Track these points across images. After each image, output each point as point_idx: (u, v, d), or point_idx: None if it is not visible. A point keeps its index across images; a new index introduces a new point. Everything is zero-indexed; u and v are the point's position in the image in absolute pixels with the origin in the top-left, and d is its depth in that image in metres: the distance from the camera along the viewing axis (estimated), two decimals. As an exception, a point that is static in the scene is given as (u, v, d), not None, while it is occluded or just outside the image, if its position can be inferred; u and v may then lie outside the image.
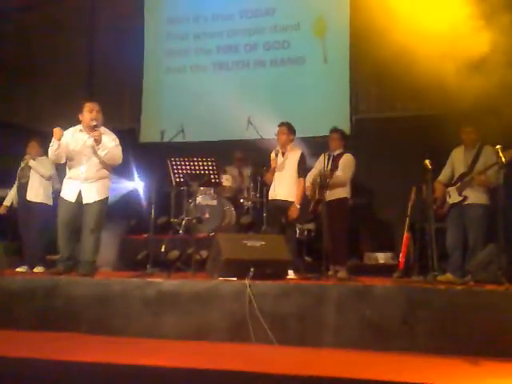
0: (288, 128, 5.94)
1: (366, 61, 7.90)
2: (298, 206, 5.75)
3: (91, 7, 9.16)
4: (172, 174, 5.62)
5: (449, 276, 5.27)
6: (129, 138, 8.35)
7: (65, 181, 5.28)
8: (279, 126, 5.98)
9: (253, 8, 8.70)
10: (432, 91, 7.39)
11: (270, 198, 6.01)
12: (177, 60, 8.97)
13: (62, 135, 5.03)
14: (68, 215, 5.13)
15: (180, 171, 5.58)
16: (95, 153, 5.12)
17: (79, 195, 5.12)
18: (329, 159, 5.92)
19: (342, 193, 5.86)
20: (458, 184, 5.53)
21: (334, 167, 5.73)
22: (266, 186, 6.41)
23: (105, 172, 5.24)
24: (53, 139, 5.03)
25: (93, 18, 9.15)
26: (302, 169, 5.87)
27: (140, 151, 7.75)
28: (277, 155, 5.90)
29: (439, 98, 7.32)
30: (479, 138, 5.60)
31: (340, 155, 5.99)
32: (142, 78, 9.00)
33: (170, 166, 5.58)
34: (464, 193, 5.45)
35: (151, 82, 9.03)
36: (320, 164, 5.91)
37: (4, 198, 6.76)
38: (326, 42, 8.29)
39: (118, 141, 5.26)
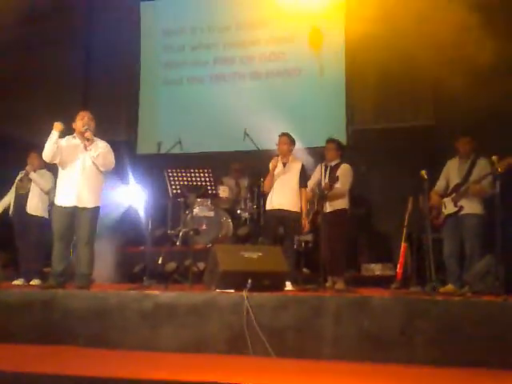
0: (289, 138, 5.96)
1: (361, 72, 7.95)
2: (306, 217, 5.80)
3: (88, 20, 9.21)
4: (169, 186, 5.63)
5: (450, 287, 5.28)
6: (126, 149, 8.36)
7: (58, 189, 5.23)
8: (280, 136, 5.97)
9: (249, 20, 8.76)
10: (428, 102, 7.46)
11: (268, 207, 5.98)
12: (173, 72, 9.01)
13: (62, 129, 5.09)
14: (62, 224, 5.10)
15: (177, 182, 5.59)
16: (88, 158, 5.13)
17: (72, 199, 5.10)
18: (326, 170, 5.93)
19: (341, 204, 5.87)
20: (453, 195, 5.56)
21: (332, 178, 5.72)
22: (263, 197, 6.40)
23: (99, 179, 5.23)
24: (52, 131, 5.09)
25: (89, 31, 9.19)
26: (304, 180, 5.89)
27: (137, 163, 7.74)
28: (275, 166, 5.90)
29: (435, 108, 7.37)
30: (474, 148, 5.64)
31: (337, 166, 6.00)
32: (138, 90, 9.03)
33: (166, 177, 5.59)
34: (459, 203, 5.48)
35: (148, 94, 9.06)
36: (318, 175, 5.92)
37: (4, 210, 6.76)
38: (322, 54, 8.34)
39: (109, 148, 5.27)
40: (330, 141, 6.17)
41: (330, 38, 8.31)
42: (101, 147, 5.18)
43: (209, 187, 5.59)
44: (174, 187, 5.61)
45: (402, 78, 7.68)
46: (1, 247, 7.04)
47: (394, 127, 7.74)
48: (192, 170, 5.58)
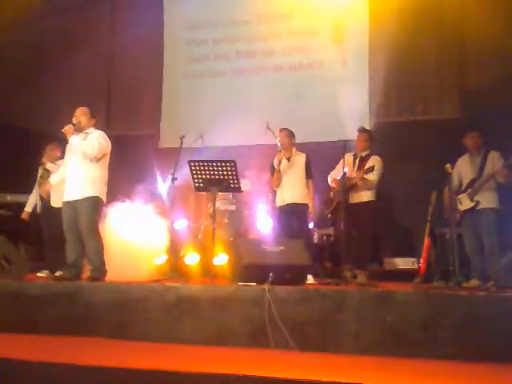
0: (288, 131, 6.09)
1: (385, 64, 7.85)
2: (313, 209, 5.88)
3: (111, 14, 9.26)
4: (192, 179, 5.62)
5: (474, 281, 5.24)
6: (148, 143, 8.42)
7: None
8: (280, 130, 6.10)
9: (271, 13, 8.72)
10: (453, 94, 7.36)
11: (279, 203, 6.03)
12: (195, 66, 9.02)
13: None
14: (67, 218, 5.22)
15: (200, 176, 5.57)
16: (75, 152, 5.22)
17: (66, 194, 5.24)
18: (355, 159, 5.89)
19: (369, 196, 5.83)
20: (469, 190, 5.51)
21: (368, 168, 5.71)
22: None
23: (92, 171, 5.23)
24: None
25: (113, 25, 9.25)
26: (309, 171, 5.97)
27: (159, 157, 7.79)
28: (280, 162, 5.94)
29: (460, 101, 7.27)
30: (483, 142, 5.60)
31: (368, 156, 5.95)
32: (161, 83, 9.07)
33: (189, 169, 5.57)
34: (476, 198, 5.44)
35: (170, 88, 9.08)
36: (346, 164, 5.86)
37: (23, 203, 6.84)
38: (345, 47, 8.27)
39: (99, 137, 5.26)
40: (362, 131, 6.14)
41: (353, 31, 8.23)
42: (82, 138, 5.23)
43: (231, 181, 5.57)
44: (196, 180, 5.59)
45: (426, 70, 7.59)
46: (27, 241, 7.13)
47: (418, 120, 7.64)
48: (215, 163, 5.55)
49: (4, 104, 7.80)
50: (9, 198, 7.27)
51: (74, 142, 5.23)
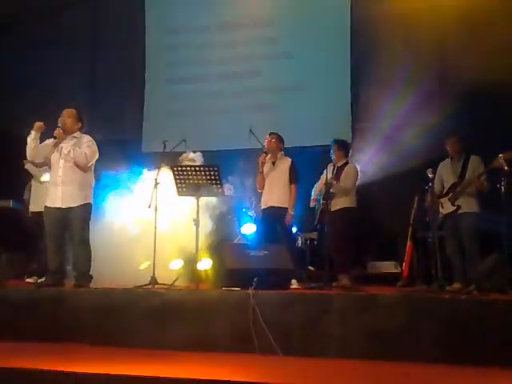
0: (277, 136, 6.15)
1: (368, 69, 7.92)
2: (292, 213, 5.92)
3: (93, 20, 9.23)
4: (175, 184, 5.59)
5: (456, 285, 5.30)
6: (131, 148, 8.37)
7: (48, 189, 5.21)
8: (270, 134, 6.18)
9: (252, 19, 8.74)
10: (435, 99, 7.45)
11: (262, 206, 6.12)
12: (178, 70, 9.01)
13: (43, 128, 5.10)
14: (52, 223, 5.08)
15: (183, 181, 5.56)
16: (69, 158, 5.10)
17: (56, 200, 5.07)
18: (333, 170, 5.97)
19: (347, 202, 5.86)
20: (450, 194, 5.58)
21: (337, 178, 5.80)
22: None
23: (83, 176, 5.15)
24: (31, 131, 5.09)
25: (95, 31, 9.21)
26: (294, 176, 6.01)
27: (143, 161, 7.74)
28: (263, 164, 6.05)
29: (442, 105, 7.36)
30: (463, 147, 5.67)
31: (343, 166, 6.02)
32: (143, 88, 9.04)
33: (172, 174, 5.55)
34: (457, 202, 5.51)
35: (153, 92, 9.06)
36: (327, 175, 5.92)
37: (6, 209, 6.76)
38: (328, 52, 8.31)
39: (90, 143, 5.19)
40: (332, 142, 6.22)
41: (336, 34, 8.28)
42: (72, 144, 5.12)
43: (214, 186, 5.56)
44: (179, 185, 5.57)
45: (407, 75, 7.66)
46: (12, 248, 7.00)
47: (400, 124, 7.70)
48: (198, 168, 5.53)
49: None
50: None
51: (65, 148, 5.09)
